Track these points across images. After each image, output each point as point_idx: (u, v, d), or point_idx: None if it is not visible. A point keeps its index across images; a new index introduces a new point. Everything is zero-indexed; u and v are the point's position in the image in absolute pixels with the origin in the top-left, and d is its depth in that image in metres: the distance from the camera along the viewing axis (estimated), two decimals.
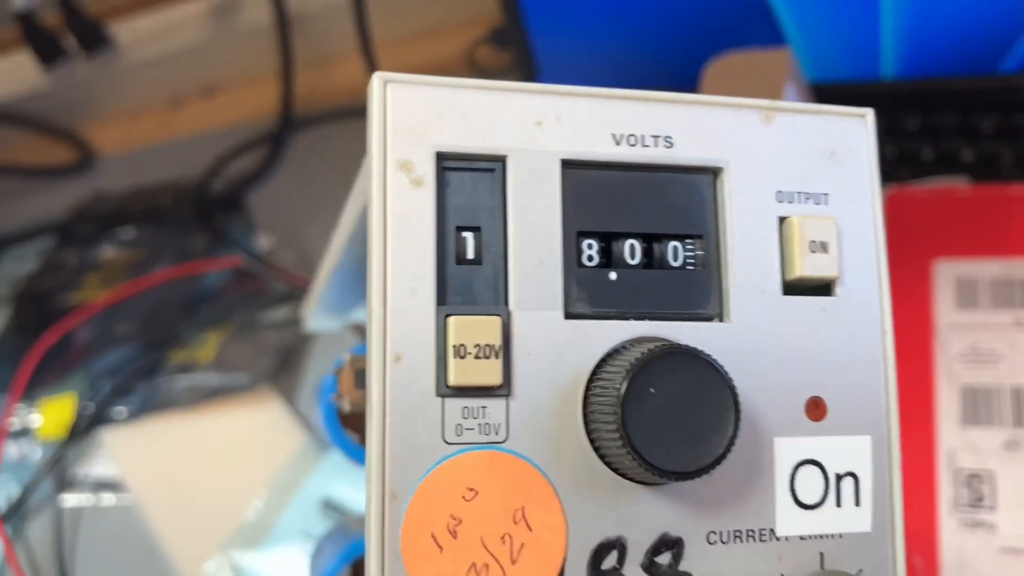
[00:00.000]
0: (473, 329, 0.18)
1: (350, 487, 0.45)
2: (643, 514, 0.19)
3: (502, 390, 0.18)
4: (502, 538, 0.18)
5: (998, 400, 0.37)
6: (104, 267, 0.59)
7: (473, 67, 0.60)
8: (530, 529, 0.18)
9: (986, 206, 0.42)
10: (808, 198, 0.20)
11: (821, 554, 0.20)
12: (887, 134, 0.48)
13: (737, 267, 0.20)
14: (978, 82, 0.46)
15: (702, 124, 0.20)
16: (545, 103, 0.19)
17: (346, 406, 0.25)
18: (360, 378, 0.25)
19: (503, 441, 0.18)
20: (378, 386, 0.18)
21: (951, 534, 0.35)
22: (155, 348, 0.53)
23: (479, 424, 0.18)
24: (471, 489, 0.17)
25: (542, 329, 0.19)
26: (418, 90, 0.19)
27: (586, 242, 0.19)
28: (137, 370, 0.52)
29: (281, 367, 0.52)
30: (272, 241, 0.58)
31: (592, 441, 0.18)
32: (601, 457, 0.19)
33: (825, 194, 0.21)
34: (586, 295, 0.19)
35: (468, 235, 0.19)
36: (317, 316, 0.38)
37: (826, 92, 0.45)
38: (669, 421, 0.17)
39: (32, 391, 0.51)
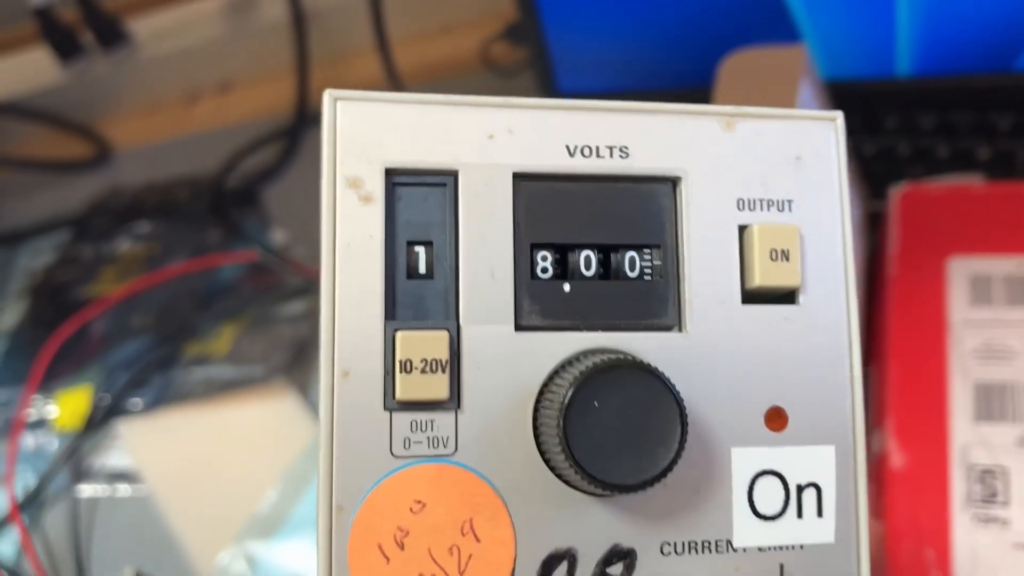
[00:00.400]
0: (419, 344, 0.18)
1: None
2: (594, 525, 0.19)
3: (450, 404, 0.18)
4: (450, 549, 0.18)
5: (1012, 396, 0.37)
6: (120, 260, 0.59)
7: (488, 63, 0.59)
8: (478, 540, 0.18)
9: (1001, 204, 0.41)
10: (771, 205, 0.20)
11: (781, 565, 0.20)
12: (902, 132, 0.47)
13: (695, 277, 0.20)
14: (994, 80, 0.45)
15: (660, 133, 0.20)
16: (497, 116, 0.19)
17: None
18: None
19: (452, 454, 0.18)
20: (326, 401, 0.18)
21: (964, 530, 0.35)
22: (170, 341, 0.54)
23: (427, 437, 0.18)
24: (419, 501, 0.18)
25: (492, 342, 0.19)
26: (368, 107, 0.19)
27: (540, 254, 0.19)
28: (152, 362, 0.53)
29: (295, 360, 0.52)
30: (287, 236, 0.59)
31: (542, 453, 0.19)
32: (551, 469, 0.19)
33: (789, 201, 0.20)
34: (539, 307, 0.19)
35: (420, 249, 0.19)
36: None
37: (841, 90, 0.44)
38: (614, 433, 0.17)
39: (49, 383, 0.52)
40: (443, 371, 0.18)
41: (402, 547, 0.18)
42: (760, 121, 0.20)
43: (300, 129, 0.63)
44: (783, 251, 0.20)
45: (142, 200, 0.63)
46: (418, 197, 0.19)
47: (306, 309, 0.54)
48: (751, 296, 0.20)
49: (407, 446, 0.18)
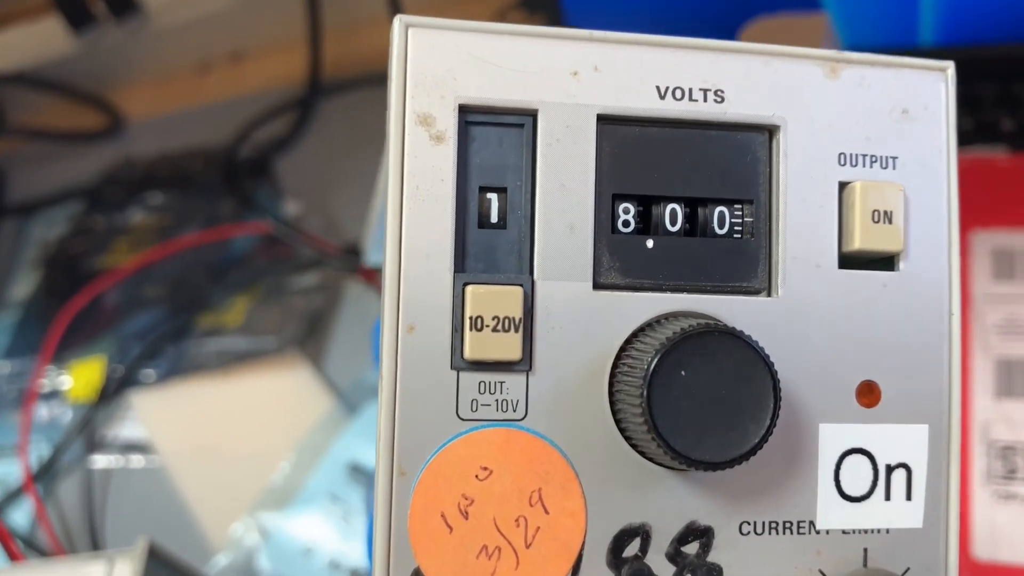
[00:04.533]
0: (492, 300, 0.16)
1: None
2: (670, 500, 0.17)
3: (522, 365, 0.17)
4: (516, 521, 0.16)
5: None
6: (133, 231, 0.59)
7: None
8: (547, 512, 0.16)
9: None
10: (874, 161, 0.18)
11: (865, 550, 0.18)
12: None
13: (789, 236, 0.18)
14: (1018, 51, 0.44)
15: (758, 77, 0.18)
16: (582, 51, 0.17)
17: None
18: None
19: (521, 419, 0.17)
20: (389, 357, 0.16)
21: (984, 506, 0.35)
22: (183, 312, 0.53)
23: (496, 400, 0.17)
24: (485, 468, 0.16)
25: (569, 301, 0.17)
26: (442, 36, 0.17)
27: (622, 206, 0.18)
28: (165, 334, 0.52)
29: (308, 332, 0.51)
30: (300, 207, 0.58)
31: (618, 422, 0.17)
32: (627, 439, 0.17)
33: (894, 157, 0.19)
34: (619, 264, 0.18)
35: (492, 196, 0.17)
36: (373, 252, 0.37)
37: None
38: (700, 406, 0.16)
39: (62, 353, 0.51)
40: (516, 330, 0.16)
41: (466, 516, 0.16)
42: (866, 68, 0.18)
43: (313, 99, 0.62)
44: (886, 212, 0.18)
45: (155, 171, 0.62)
46: (493, 138, 0.17)
47: (319, 281, 0.53)
48: (848, 260, 0.18)
49: (474, 408, 0.17)
